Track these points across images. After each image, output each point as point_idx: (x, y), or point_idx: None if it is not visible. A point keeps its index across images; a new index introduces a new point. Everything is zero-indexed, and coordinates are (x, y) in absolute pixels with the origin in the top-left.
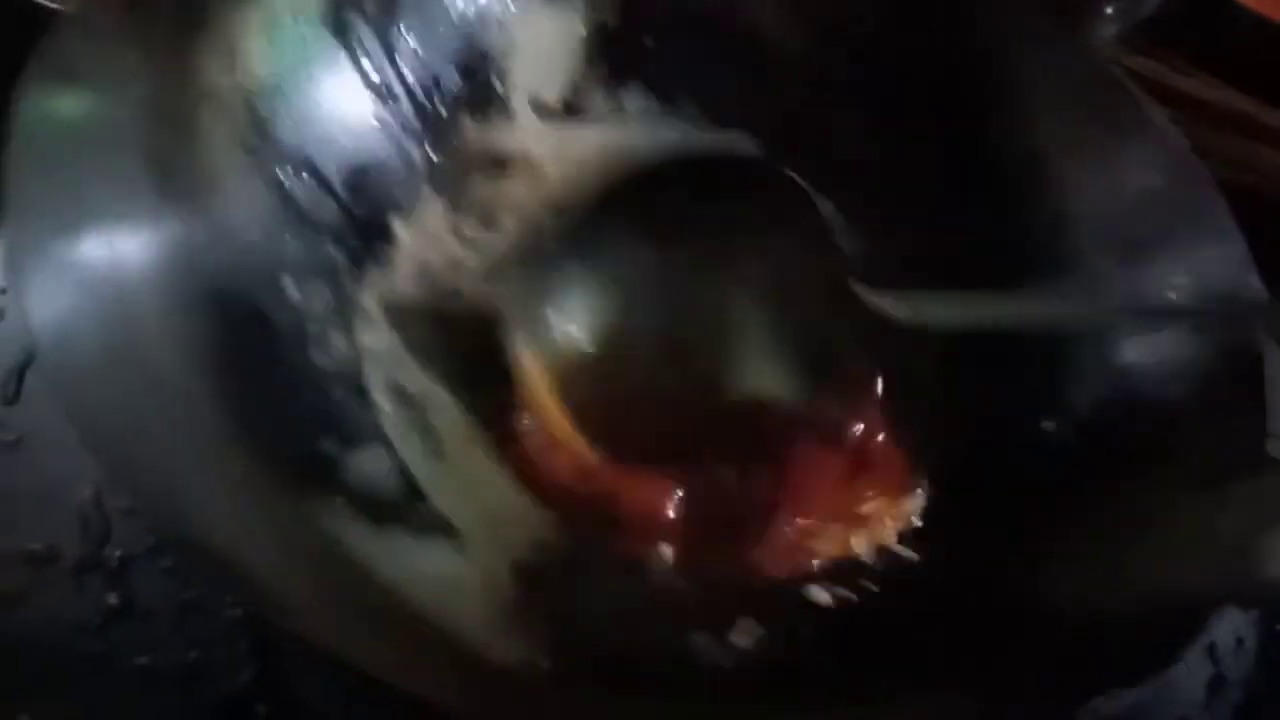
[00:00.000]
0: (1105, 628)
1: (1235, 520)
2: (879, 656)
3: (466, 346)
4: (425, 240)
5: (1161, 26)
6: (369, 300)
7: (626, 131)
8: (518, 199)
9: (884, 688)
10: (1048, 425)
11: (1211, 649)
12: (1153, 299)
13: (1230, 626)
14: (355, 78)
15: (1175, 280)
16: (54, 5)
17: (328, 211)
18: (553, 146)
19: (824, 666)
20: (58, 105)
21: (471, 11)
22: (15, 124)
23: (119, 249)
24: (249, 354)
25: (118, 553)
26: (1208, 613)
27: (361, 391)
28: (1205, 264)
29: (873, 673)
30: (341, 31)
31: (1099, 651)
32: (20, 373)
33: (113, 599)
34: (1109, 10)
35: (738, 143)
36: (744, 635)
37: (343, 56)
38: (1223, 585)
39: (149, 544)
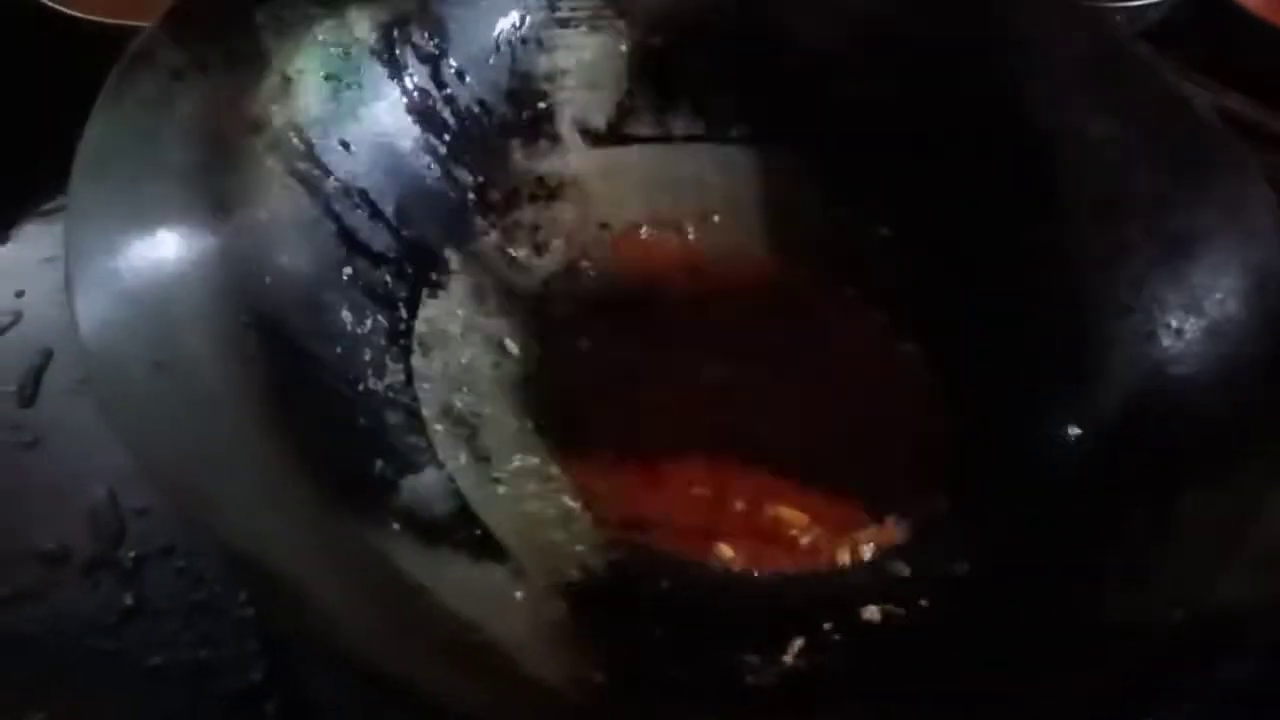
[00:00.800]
0: (1143, 638)
1: (1271, 528)
2: (922, 672)
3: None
4: (477, 267)
5: (1167, 32)
6: (422, 325)
7: (674, 154)
8: (567, 223)
9: (926, 703)
10: (1073, 431)
11: None
12: (1195, 304)
13: None
14: (406, 108)
15: (1220, 284)
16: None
17: (381, 240)
18: (600, 171)
19: (867, 680)
20: (124, 130)
21: (517, 40)
22: (84, 146)
23: (172, 270)
24: (302, 379)
25: (131, 553)
26: (1245, 622)
27: (415, 415)
28: (1255, 269)
29: (915, 688)
30: (392, 64)
31: (1140, 663)
32: (37, 376)
33: (127, 599)
34: (1116, 18)
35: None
36: (792, 653)
37: (394, 88)
38: (1259, 594)
39: (161, 544)
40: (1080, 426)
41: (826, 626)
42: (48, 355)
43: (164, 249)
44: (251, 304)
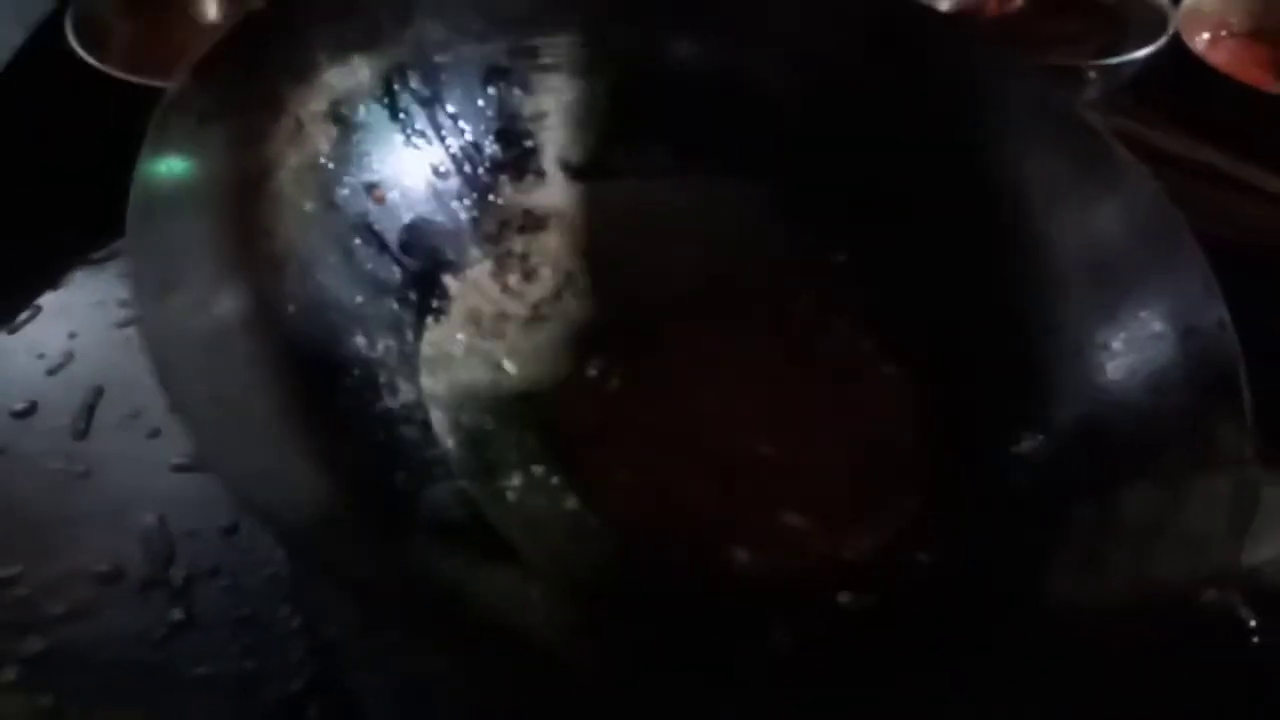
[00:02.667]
0: (1090, 612)
1: (1211, 518)
2: (896, 650)
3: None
4: (475, 293)
5: (1142, 89)
6: (428, 348)
7: (651, 187)
8: (553, 252)
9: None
10: (1029, 442)
11: None
12: (1127, 330)
13: None
14: (408, 149)
15: (1147, 312)
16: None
17: (387, 271)
18: (585, 204)
19: (848, 660)
20: (163, 177)
21: (504, 85)
22: (134, 188)
23: (216, 300)
24: (328, 400)
25: (182, 573)
26: (1190, 603)
27: (428, 431)
28: (1175, 294)
29: (889, 665)
30: (394, 110)
31: (1088, 634)
32: (89, 411)
33: (176, 614)
34: (1091, 75)
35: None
36: (783, 641)
37: (395, 130)
38: (1185, 570)
39: (209, 565)
40: (1035, 436)
41: (812, 615)
42: (99, 392)
43: (207, 283)
44: (279, 333)
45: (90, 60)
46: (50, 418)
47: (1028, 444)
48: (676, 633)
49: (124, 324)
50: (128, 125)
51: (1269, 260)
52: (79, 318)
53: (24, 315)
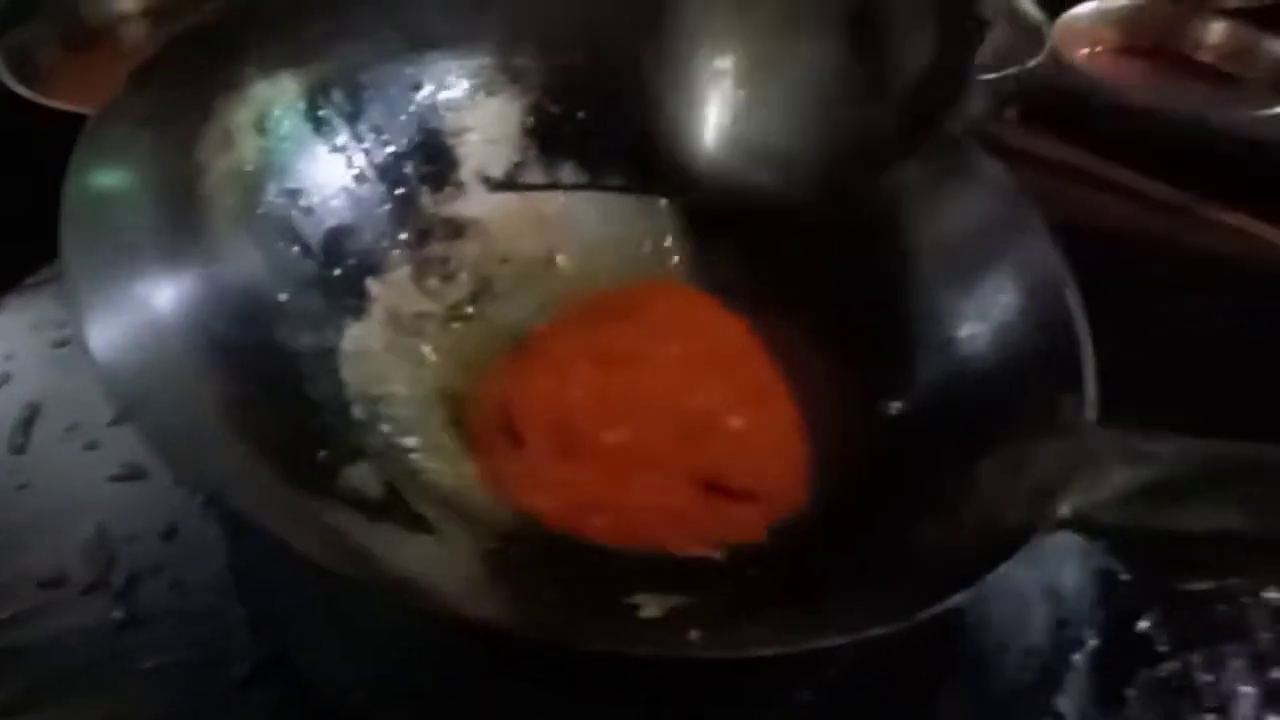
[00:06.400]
0: (948, 553)
1: (1045, 471)
2: (782, 591)
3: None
4: (395, 294)
5: (1025, 96)
6: (348, 343)
7: (562, 198)
8: (471, 257)
9: (784, 612)
10: (898, 406)
11: (1055, 592)
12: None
13: (1072, 573)
14: (331, 159)
15: (1002, 296)
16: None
17: (310, 272)
18: (499, 213)
19: (738, 600)
20: (96, 182)
21: (427, 102)
22: (67, 198)
23: (151, 299)
24: (260, 387)
25: (124, 575)
26: (1020, 540)
27: (347, 417)
28: (1027, 277)
29: (776, 605)
30: (318, 122)
31: (943, 570)
32: (27, 427)
33: (120, 613)
34: (982, 102)
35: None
36: (677, 588)
37: (320, 142)
38: (1033, 518)
39: (151, 565)
40: (901, 401)
41: (702, 562)
42: (35, 409)
43: (145, 281)
44: (213, 323)
45: (22, 91)
46: None
47: (896, 408)
48: (574, 591)
49: (60, 344)
50: (59, 153)
51: (1128, 249)
52: (16, 340)
53: None
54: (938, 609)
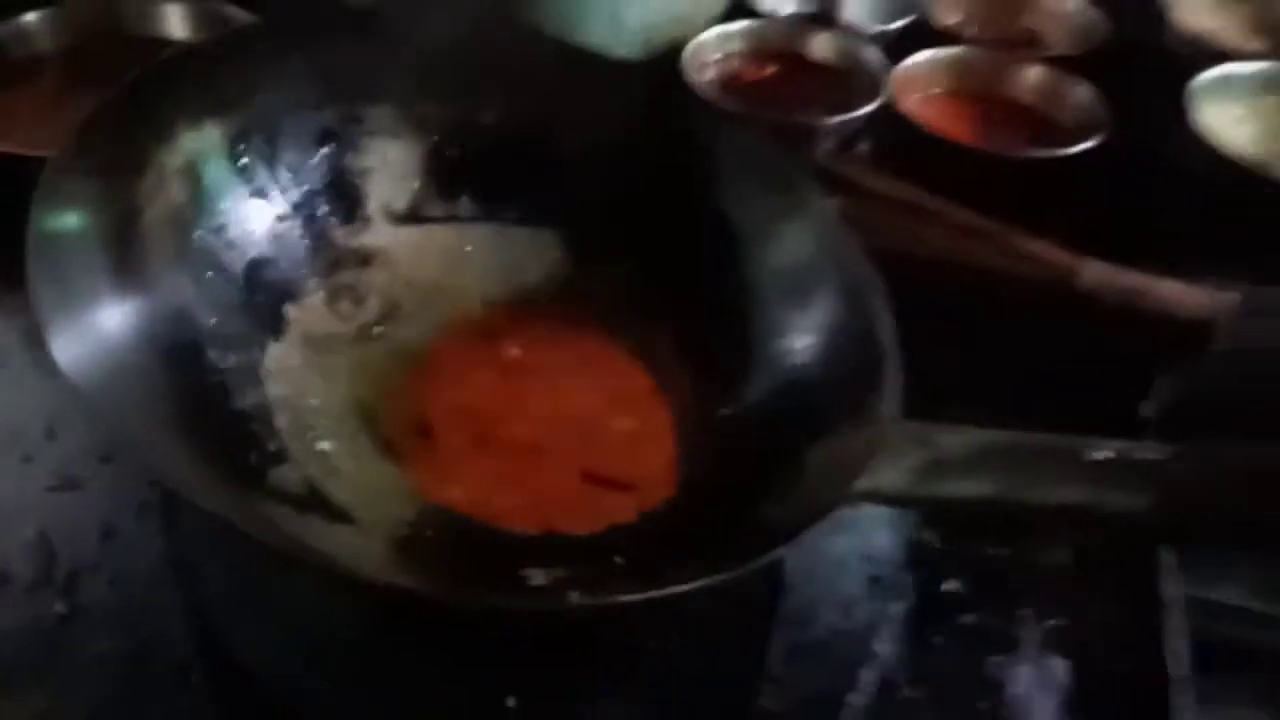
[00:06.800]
0: (778, 523)
1: (853, 456)
2: (648, 562)
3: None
4: (310, 317)
5: (871, 139)
6: (270, 362)
7: (460, 230)
8: (378, 284)
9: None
10: (742, 407)
11: (873, 558)
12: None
13: (885, 538)
14: (252, 199)
15: (828, 313)
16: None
17: (235, 299)
18: (404, 245)
19: (611, 571)
20: (53, 225)
21: (335, 146)
22: (30, 240)
23: (106, 324)
24: (196, 398)
25: (64, 573)
26: (829, 509)
27: (272, 425)
28: (849, 296)
29: (644, 572)
30: (240, 166)
31: (771, 535)
32: None
33: (63, 607)
34: (829, 143)
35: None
36: (561, 564)
37: (242, 184)
38: (849, 497)
39: (90, 564)
40: (749, 404)
41: (584, 539)
42: None
43: (100, 309)
44: (157, 346)
45: None
46: None
47: (743, 408)
48: (474, 566)
49: None
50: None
51: (945, 270)
52: None
53: None
54: (762, 562)
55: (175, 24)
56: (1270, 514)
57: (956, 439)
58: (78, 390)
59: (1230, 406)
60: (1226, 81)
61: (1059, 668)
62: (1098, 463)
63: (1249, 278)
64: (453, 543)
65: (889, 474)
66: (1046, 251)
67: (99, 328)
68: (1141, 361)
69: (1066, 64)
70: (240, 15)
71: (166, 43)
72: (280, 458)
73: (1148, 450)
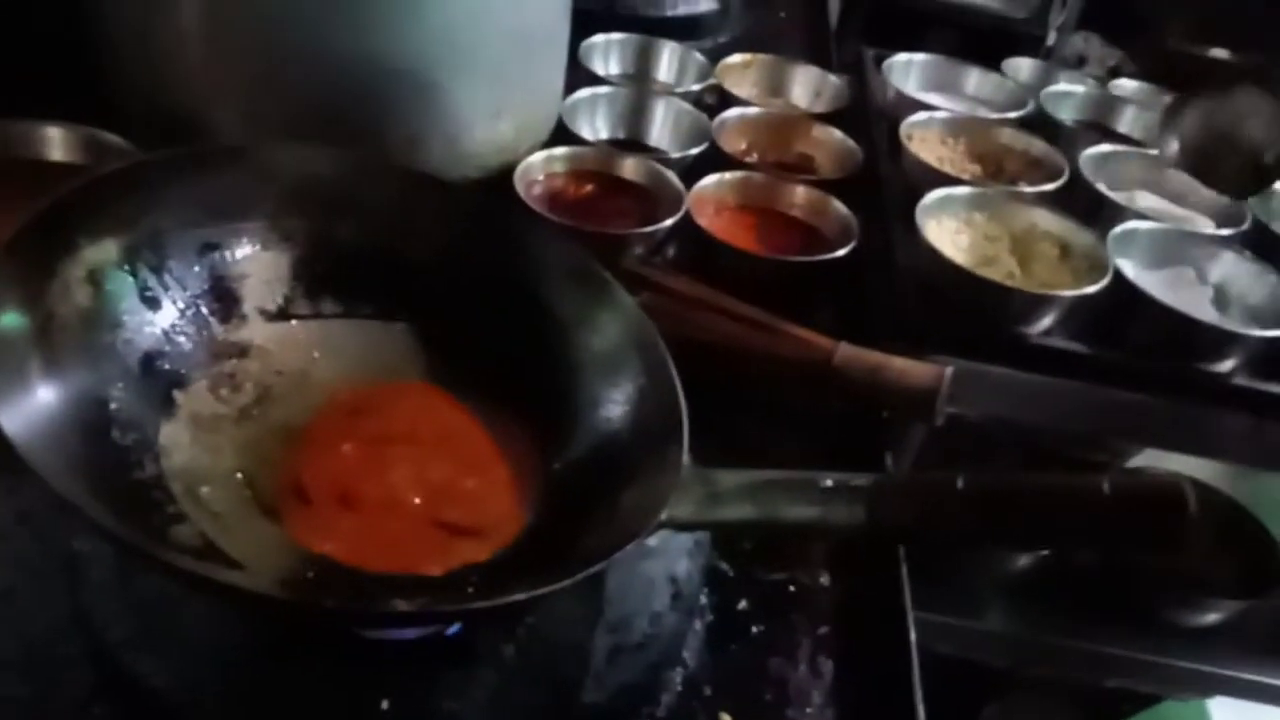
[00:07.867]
0: (598, 551)
1: (655, 494)
2: (498, 584)
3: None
4: (195, 401)
5: (675, 246)
6: (163, 439)
7: (325, 325)
8: (254, 372)
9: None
10: (570, 461)
11: (676, 580)
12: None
13: (686, 564)
14: (144, 302)
15: (633, 385)
16: None
17: (132, 386)
18: (276, 338)
19: (472, 595)
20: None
21: (217, 256)
22: None
23: (37, 402)
24: (105, 470)
25: None
26: (634, 535)
27: (168, 492)
28: (648, 372)
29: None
30: (133, 273)
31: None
32: None
33: None
34: (638, 250)
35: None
36: (427, 592)
37: (135, 289)
38: (644, 524)
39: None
40: (574, 460)
41: (441, 577)
42: None
43: (32, 391)
44: (74, 424)
45: None
46: None
47: (570, 463)
48: (348, 596)
49: None
50: None
51: (727, 351)
52: None
53: None
54: (583, 576)
55: (56, 148)
56: (944, 523)
57: (731, 477)
58: (26, 456)
59: (947, 450)
60: (946, 201)
61: (827, 667)
62: (825, 489)
63: (962, 355)
64: (330, 582)
65: (681, 506)
66: (809, 336)
67: (34, 406)
68: (883, 421)
69: (829, 186)
70: (117, 141)
71: (48, 165)
72: (179, 519)
73: (860, 479)
